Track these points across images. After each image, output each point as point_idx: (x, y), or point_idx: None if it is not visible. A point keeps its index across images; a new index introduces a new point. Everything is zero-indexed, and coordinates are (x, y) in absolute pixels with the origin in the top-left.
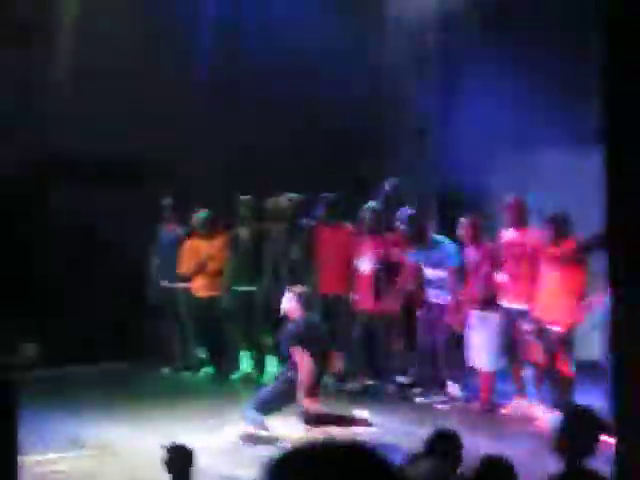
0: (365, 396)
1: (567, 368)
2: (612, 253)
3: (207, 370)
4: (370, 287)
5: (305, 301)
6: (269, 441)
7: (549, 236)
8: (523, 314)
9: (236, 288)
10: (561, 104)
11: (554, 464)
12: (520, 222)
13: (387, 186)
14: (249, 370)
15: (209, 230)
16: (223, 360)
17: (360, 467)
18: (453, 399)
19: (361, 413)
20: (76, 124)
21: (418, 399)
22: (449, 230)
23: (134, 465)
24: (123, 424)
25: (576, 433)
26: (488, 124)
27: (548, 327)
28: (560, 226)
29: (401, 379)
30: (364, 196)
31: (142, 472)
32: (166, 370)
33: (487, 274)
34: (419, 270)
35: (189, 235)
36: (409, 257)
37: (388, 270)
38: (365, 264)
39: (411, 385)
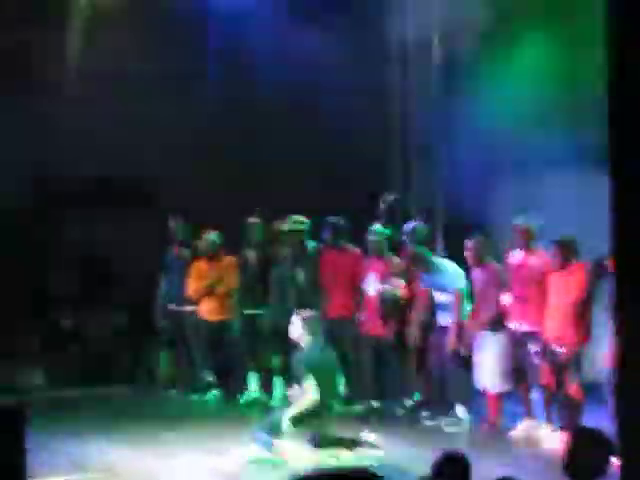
0: (373, 419)
1: (575, 390)
2: (618, 274)
3: (215, 393)
4: (377, 310)
5: (313, 325)
6: (277, 464)
7: (556, 259)
8: (530, 336)
9: (243, 311)
10: (563, 126)
11: None
12: (528, 245)
13: (382, 203)
14: (257, 393)
15: (216, 253)
16: (231, 383)
17: None
18: (461, 421)
19: (369, 436)
20: (80, 148)
21: (426, 422)
22: (455, 253)
23: None
24: (129, 446)
25: (586, 455)
26: (490, 147)
27: (555, 349)
28: (567, 250)
29: (409, 401)
30: (372, 217)
31: None
32: (173, 392)
33: (494, 296)
34: (430, 296)
35: (196, 258)
36: (421, 283)
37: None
38: (371, 287)
39: (419, 407)
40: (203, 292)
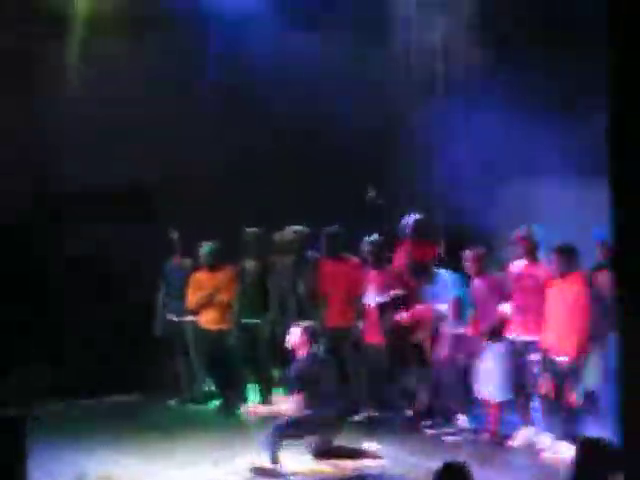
0: (374, 428)
1: (574, 399)
2: (618, 282)
3: (215, 403)
4: (376, 320)
5: (312, 335)
6: (278, 474)
7: (556, 267)
8: (530, 346)
9: (242, 321)
10: (562, 135)
11: None
12: (530, 254)
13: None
14: (257, 403)
15: (215, 263)
16: (231, 393)
17: None
18: (462, 431)
19: (370, 445)
20: (82, 156)
21: (427, 431)
22: (455, 262)
23: None
24: (130, 456)
25: (590, 466)
26: (489, 154)
27: (555, 358)
28: (567, 258)
29: (410, 411)
30: (371, 226)
31: None
32: (173, 403)
33: (494, 306)
34: (432, 310)
35: (196, 268)
36: (422, 298)
37: (396, 301)
38: (370, 298)
39: (420, 417)
40: (202, 302)
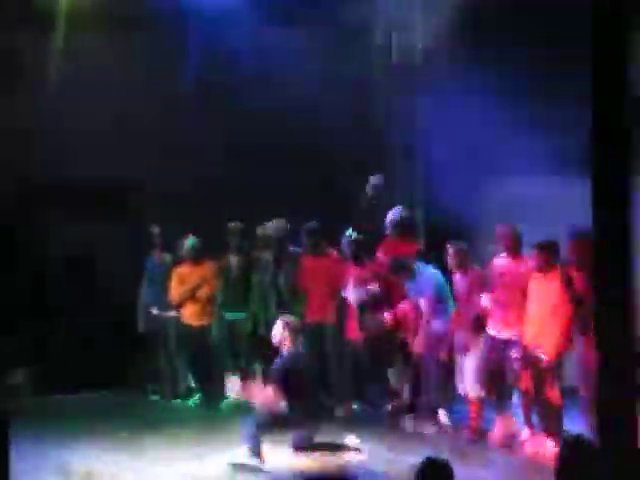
0: (355, 423)
1: (555, 395)
2: (598, 276)
3: (196, 398)
4: (357, 315)
5: (294, 330)
6: (260, 469)
7: (537, 263)
8: (511, 341)
9: (224, 316)
10: (545, 132)
11: None
12: (513, 251)
13: (370, 186)
14: (238, 397)
15: (197, 257)
16: (212, 388)
17: None
18: (443, 426)
19: (351, 440)
20: (60, 150)
21: (408, 426)
22: (437, 257)
23: None
24: (111, 451)
25: (576, 462)
26: (472, 151)
27: (536, 354)
28: (548, 254)
29: (391, 406)
30: (349, 218)
31: None
32: (155, 398)
33: (476, 301)
34: (414, 307)
35: (177, 262)
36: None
37: (375, 298)
38: (350, 293)
39: (401, 412)
40: (185, 297)
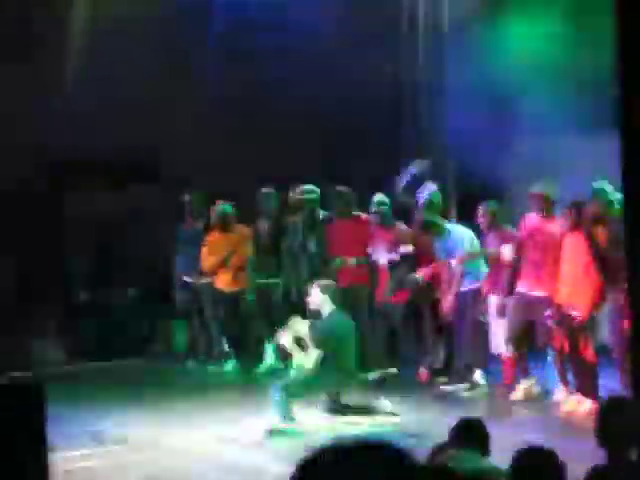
0: (389, 386)
1: (589, 353)
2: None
3: (232, 363)
4: (388, 279)
5: (332, 294)
6: (295, 433)
7: (568, 222)
8: (543, 300)
9: (257, 281)
10: (577, 88)
11: (586, 451)
12: (545, 211)
13: (415, 168)
14: (273, 362)
15: (227, 224)
16: (247, 353)
17: (390, 468)
18: (478, 387)
19: (385, 403)
20: (91, 125)
21: (443, 387)
22: (468, 218)
23: (160, 459)
24: (148, 418)
25: (617, 424)
26: (503, 111)
27: (569, 313)
28: (577, 213)
29: (425, 368)
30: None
31: (168, 465)
32: (191, 363)
33: (510, 261)
34: (448, 266)
35: (208, 230)
36: (435, 254)
37: (404, 263)
38: (381, 256)
39: (436, 373)
40: (218, 264)
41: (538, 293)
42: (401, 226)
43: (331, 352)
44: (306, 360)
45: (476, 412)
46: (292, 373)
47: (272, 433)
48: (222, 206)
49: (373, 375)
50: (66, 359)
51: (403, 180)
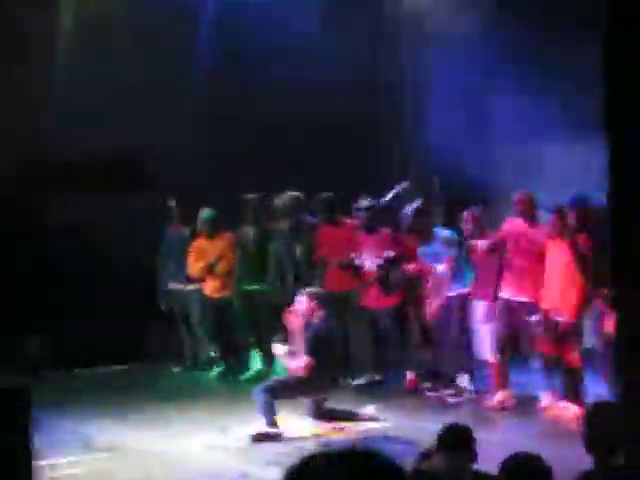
0: (375, 391)
1: (575, 358)
2: (616, 246)
3: (218, 369)
4: (374, 284)
5: (319, 301)
6: (280, 439)
7: (553, 227)
8: (524, 305)
9: (243, 287)
10: (562, 96)
11: (572, 456)
12: (528, 216)
13: (399, 188)
14: (260, 368)
15: (214, 229)
16: (234, 359)
17: (377, 476)
18: (463, 392)
19: (370, 408)
20: (75, 126)
21: (429, 393)
22: (453, 224)
23: (146, 465)
24: (134, 424)
25: (603, 429)
26: (490, 117)
27: (555, 318)
28: (562, 219)
29: (411, 373)
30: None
31: (154, 472)
32: (177, 370)
33: (494, 267)
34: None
35: (194, 235)
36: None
37: (390, 266)
38: (367, 261)
39: (422, 379)
40: (205, 270)
41: (522, 299)
42: (386, 231)
43: (318, 357)
44: (294, 366)
45: (463, 418)
46: (277, 376)
47: (257, 438)
48: (207, 211)
49: (359, 380)
50: (50, 362)
51: (388, 197)
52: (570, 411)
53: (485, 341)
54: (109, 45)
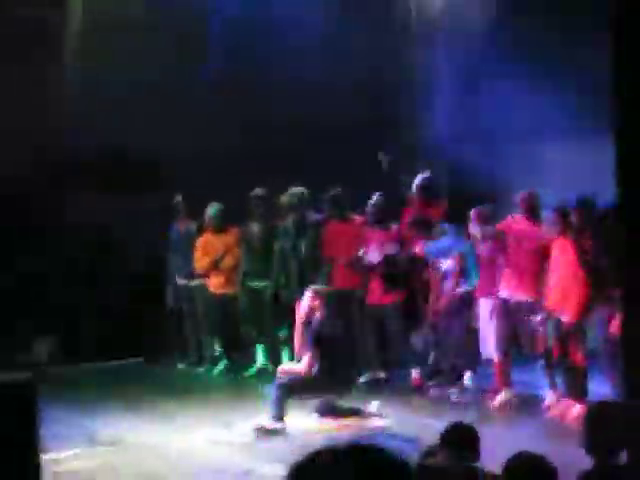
0: (379, 388)
1: (579, 357)
2: (626, 246)
3: (223, 365)
4: (379, 280)
5: (324, 298)
6: (284, 435)
7: (556, 227)
8: (525, 305)
9: (248, 283)
10: (567, 95)
11: (576, 456)
12: (531, 215)
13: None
14: (264, 365)
15: (220, 225)
16: (238, 355)
17: (382, 472)
18: (467, 390)
19: (375, 405)
20: (87, 125)
21: (433, 390)
22: (458, 220)
23: (150, 460)
24: (138, 419)
25: (603, 430)
26: (494, 117)
27: (559, 317)
28: (567, 219)
29: (416, 370)
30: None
31: (158, 466)
32: (182, 365)
33: (501, 266)
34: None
35: (201, 231)
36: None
37: (394, 261)
38: (373, 257)
39: (426, 377)
40: (209, 267)
41: (521, 297)
42: (393, 226)
43: (325, 355)
44: (299, 363)
45: (466, 416)
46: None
47: (261, 433)
48: (214, 207)
49: (364, 378)
50: (59, 359)
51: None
52: (573, 410)
53: (489, 340)
54: (120, 45)
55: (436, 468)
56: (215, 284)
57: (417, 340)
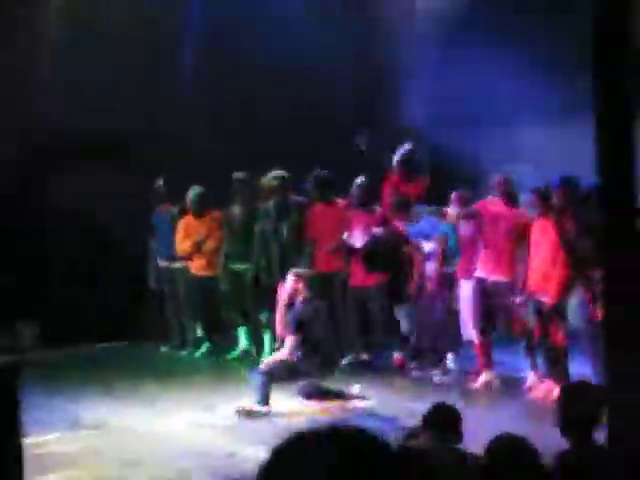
0: (362, 370)
1: (560, 338)
2: (606, 232)
3: (205, 348)
4: (362, 262)
5: (306, 281)
6: (267, 417)
7: (535, 208)
8: (503, 285)
9: (230, 266)
10: (545, 78)
11: (557, 437)
12: (507, 197)
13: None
14: (246, 347)
15: (202, 208)
16: (220, 338)
17: (364, 454)
18: (450, 372)
19: (356, 387)
20: (63, 101)
21: (415, 372)
22: (440, 204)
23: (133, 443)
24: (121, 402)
25: (578, 409)
26: (474, 98)
27: (539, 298)
28: (546, 199)
29: (399, 352)
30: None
31: (141, 449)
32: (164, 348)
33: (480, 247)
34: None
35: (182, 214)
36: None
37: (379, 244)
38: (357, 239)
39: (408, 358)
40: (191, 250)
41: (497, 278)
42: (378, 209)
43: (308, 338)
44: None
45: (448, 397)
46: (271, 358)
47: (244, 415)
48: (195, 190)
49: (347, 360)
50: (40, 343)
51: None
52: (554, 391)
53: (470, 321)
54: (105, 29)
55: (418, 450)
56: (197, 266)
57: (401, 314)
